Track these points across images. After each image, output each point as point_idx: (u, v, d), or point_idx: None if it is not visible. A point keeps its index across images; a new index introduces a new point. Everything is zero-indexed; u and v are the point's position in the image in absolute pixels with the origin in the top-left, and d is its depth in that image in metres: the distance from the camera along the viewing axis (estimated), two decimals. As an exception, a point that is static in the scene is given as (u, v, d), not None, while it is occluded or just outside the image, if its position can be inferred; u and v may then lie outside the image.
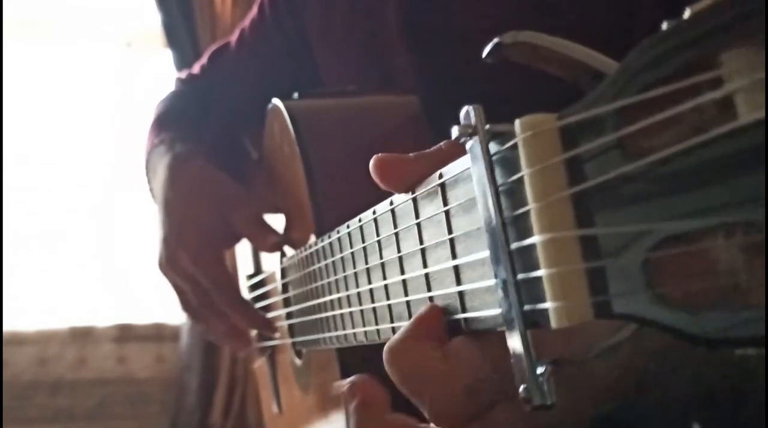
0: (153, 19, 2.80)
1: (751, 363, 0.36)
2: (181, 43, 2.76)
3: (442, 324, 0.41)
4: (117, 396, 2.75)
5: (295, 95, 0.79)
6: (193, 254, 0.84)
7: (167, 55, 2.78)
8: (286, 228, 0.84)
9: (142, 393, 2.78)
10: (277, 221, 0.86)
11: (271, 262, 0.93)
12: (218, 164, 0.92)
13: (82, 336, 2.75)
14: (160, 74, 2.86)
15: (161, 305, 2.79)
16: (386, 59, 0.83)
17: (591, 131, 0.27)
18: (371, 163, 0.43)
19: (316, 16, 0.92)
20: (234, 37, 1.04)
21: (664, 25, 0.24)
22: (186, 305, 0.90)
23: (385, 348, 0.41)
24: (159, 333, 2.81)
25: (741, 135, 0.22)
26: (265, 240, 0.83)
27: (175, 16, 2.76)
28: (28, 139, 2.85)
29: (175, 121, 1.02)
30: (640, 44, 0.25)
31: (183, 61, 2.75)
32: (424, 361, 0.40)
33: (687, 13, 0.24)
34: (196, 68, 1.08)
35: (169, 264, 0.86)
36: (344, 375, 0.67)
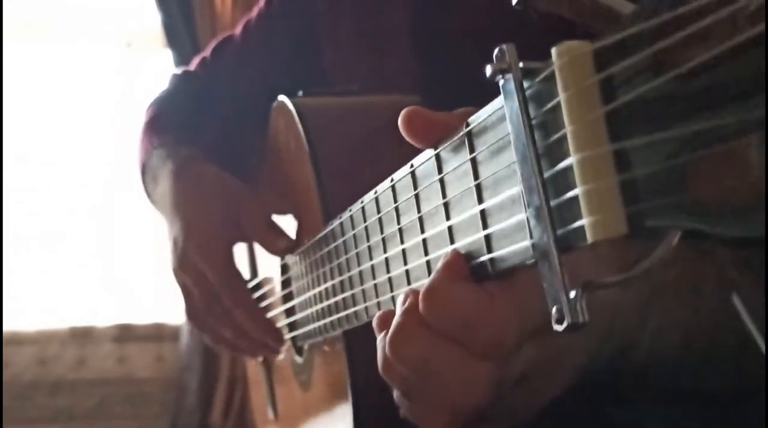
0: (153, 19, 2.80)
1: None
2: (181, 43, 2.76)
3: (467, 267, 0.42)
4: (117, 396, 2.76)
5: (300, 93, 0.79)
6: (200, 247, 0.83)
7: (167, 55, 2.78)
8: (297, 229, 0.83)
9: (142, 393, 2.78)
10: (282, 222, 0.86)
11: (267, 268, 0.93)
12: (221, 164, 0.90)
13: (82, 336, 2.76)
14: (160, 74, 2.86)
15: (161, 305, 2.79)
16: (392, 59, 0.82)
17: (624, 52, 0.29)
18: (401, 115, 0.44)
19: (324, 15, 0.92)
20: (239, 30, 1.02)
21: None
22: (193, 310, 0.88)
23: (423, 290, 0.42)
24: (159, 333, 2.81)
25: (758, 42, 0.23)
26: (276, 243, 0.82)
27: (175, 16, 2.75)
28: (28, 139, 2.85)
29: (174, 122, 1.00)
30: None
31: (183, 61, 2.75)
32: (469, 298, 0.41)
33: None
34: (196, 62, 1.05)
35: (181, 266, 0.85)
36: (353, 364, 0.67)
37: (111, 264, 2.83)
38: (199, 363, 2.72)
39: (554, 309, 0.34)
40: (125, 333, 2.78)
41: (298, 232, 0.81)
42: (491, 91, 0.62)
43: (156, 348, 2.81)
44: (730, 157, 0.25)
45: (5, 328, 2.60)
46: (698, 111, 0.25)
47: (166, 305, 2.78)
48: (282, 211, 0.87)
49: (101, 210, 2.86)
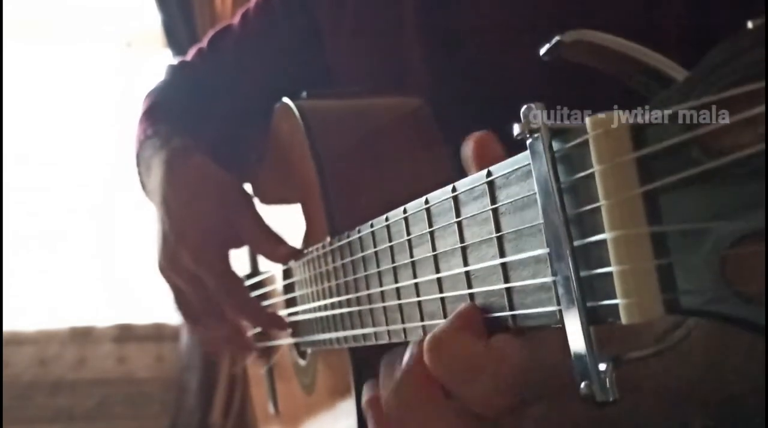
0: (153, 19, 2.80)
1: None
2: (181, 43, 2.76)
3: (482, 320, 0.42)
4: (117, 396, 2.76)
5: (304, 94, 0.78)
6: (195, 252, 0.80)
7: (167, 55, 2.78)
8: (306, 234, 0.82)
9: (142, 393, 2.78)
10: (283, 225, 0.86)
11: (268, 263, 0.91)
12: (220, 159, 0.87)
13: (82, 336, 2.75)
14: (160, 74, 2.86)
15: (161, 305, 2.79)
16: (398, 57, 0.81)
17: (663, 130, 0.28)
18: (474, 139, 0.43)
19: (327, 13, 0.90)
20: (236, 20, 0.98)
21: (749, 24, 0.25)
22: (185, 308, 0.86)
23: (428, 339, 0.42)
24: (159, 333, 2.81)
25: None
26: (274, 251, 0.79)
27: (175, 16, 2.75)
28: (28, 139, 2.85)
29: (169, 113, 0.96)
30: (721, 43, 0.26)
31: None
32: (469, 351, 0.40)
33: None
34: (192, 53, 1.02)
35: (169, 265, 0.83)
36: (357, 374, 0.67)
37: (111, 264, 2.83)
38: (199, 363, 2.72)
39: (583, 385, 0.33)
40: (125, 333, 2.78)
41: (308, 230, 0.80)
42: (500, 90, 0.61)
43: (156, 348, 2.80)
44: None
45: (5, 328, 2.60)
46: (742, 206, 0.25)
47: (166, 305, 2.77)
48: (279, 202, 0.84)
49: (101, 210, 2.85)
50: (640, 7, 0.67)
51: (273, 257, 0.80)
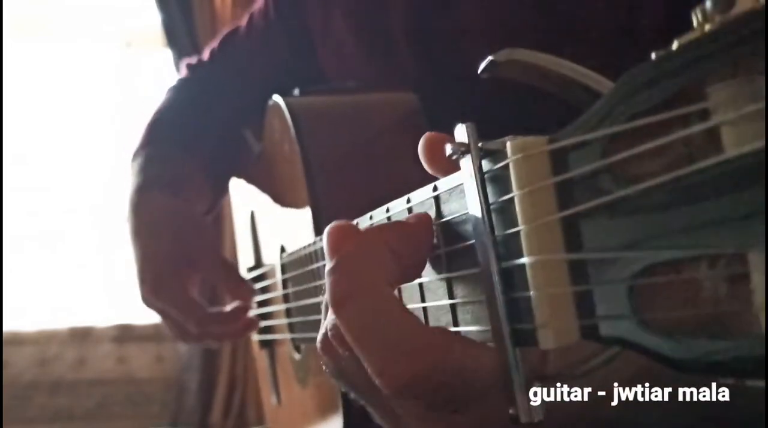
0: (153, 18, 2.80)
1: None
2: (181, 43, 2.76)
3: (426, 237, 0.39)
4: (117, 396, 2.76)
5: (296, 92, 0.80)
6: (153, 288, 0.87)
7: (167, 55, 2.78)
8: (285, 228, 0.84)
9: (142, 393, 2.78)
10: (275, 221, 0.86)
11: (271, 255, 0.94)
12: (219, 162, 0.92)
13: (82, 336, 2.76)
14: (160, 74, 2.86)
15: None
16: (388, 58, 0.82)
17: (581, 156, 0.28)
18: (421, 141, 0.39)
19: (317, 16, 0.91)
20: (244, 22, 1.02)
21: (653, 55, 0.25)
22: (176, 335, 0.95)
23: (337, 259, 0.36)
24: (159, 333, 2.81)
25: (726, 167, 0.22)
26: (237, 289, 0.89)
27: (175, 16, 2.76)
28: (28, 139, 2.85)
29: (161, 135, 1.00)
30: (628, 72, 0.25)
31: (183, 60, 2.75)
32: (401, 309, 0.35)
33: (675, 45, 0.24)
34: (206, 52, 1.06)
35: (143, 300, 0.90)
36: None
37: (111, 264, 2.83)
38: (199, 363, 2.72)
39: (510, 409, 0.33)
40: (125, 334, 2.78)
41: (293, 226, 0.81)
42: (487, 90, 0.61)
43: (156, 349, 2.81)
44: (683, 285, 0.24)
45: (5, 328, 2.60)
46: (656, 226, 0.25)
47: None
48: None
49: (101, 210, 2.85)
50: (615, 6, 0.68)
51: (234, 294, 0.90)
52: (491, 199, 0.34)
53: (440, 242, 0.39)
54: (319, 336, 0.42)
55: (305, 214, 0.72)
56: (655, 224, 0.25)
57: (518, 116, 0.52)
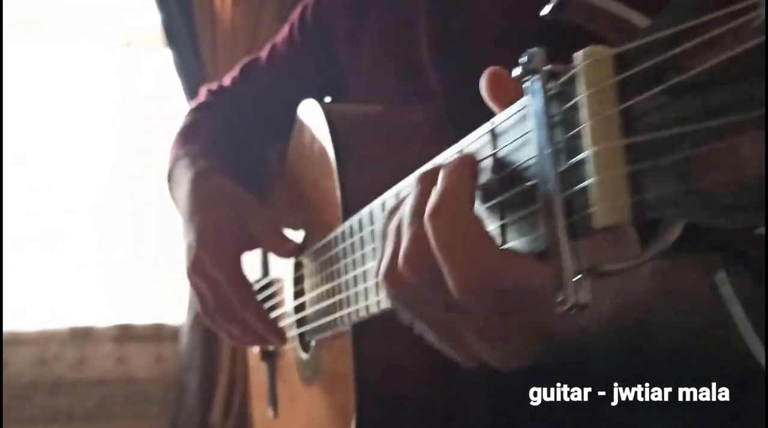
0: (153, 19, 2.80)
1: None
2: (181, 43, 2.76)
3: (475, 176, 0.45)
4: (117, 396, 2.76)
5: (328, 99, 0.86)
6: (213, 254, 0.89)
7: (167, 55, 2.78)
8: (306, 235, 0.88)
9: (142, 393, 2.78)
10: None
11: (279, 270, 0.99)
12: (241, 179, 0.98)
13: (82, 336, 2.76)
14: (159, 73, 2.86)
15: (161, 305, 2.79)
16: (417, 86, 0.85)
17: (640, 59, 0.32)
18: (483, 76, 0.44)
19: (344, 32, 0.96)
20: (265, 53, 1.09)
21: None
22: (206, 310, 0.94)
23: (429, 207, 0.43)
24: (159, 333, 2.81)
25: (757, 53, 0.26)
26: (282, 246, 0.89)
27: (175, 16, 2.75)
28: (28, 139, 2.85)
29: (200, 135, 1.07)
30: None
31: (183, 60, 2.75)
32: (481, 233, 0.42)
33: None
34: (227, 80, 1.12)
35: (193, 269, 0.91)
36: (358, 356, 0.72)
37: (111, 264, 2.83)
38: (199, 363, 2.72)
39: (559, 292, 0.36)
40: (125, 334, 2.78)
41: (316, 230, 0.85)
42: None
43: (156, 349, 2.81)
44: (726, 153, 0.28)
45: (5, 328, 2.60)
46: (701, 113, 0.29)
47: (166, 305, 2.78)
48: (292, 226, 0.92)
49: (101, 210, 2.86)
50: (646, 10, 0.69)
51: (280, 251, 0.91)
52: (554, 113, 0.38)
53: (495, 173, 0.44)
54: (384, 267, 0.47)
55: (334, 214, 0.75)
56: (703, 107, 0.29)
57: None
